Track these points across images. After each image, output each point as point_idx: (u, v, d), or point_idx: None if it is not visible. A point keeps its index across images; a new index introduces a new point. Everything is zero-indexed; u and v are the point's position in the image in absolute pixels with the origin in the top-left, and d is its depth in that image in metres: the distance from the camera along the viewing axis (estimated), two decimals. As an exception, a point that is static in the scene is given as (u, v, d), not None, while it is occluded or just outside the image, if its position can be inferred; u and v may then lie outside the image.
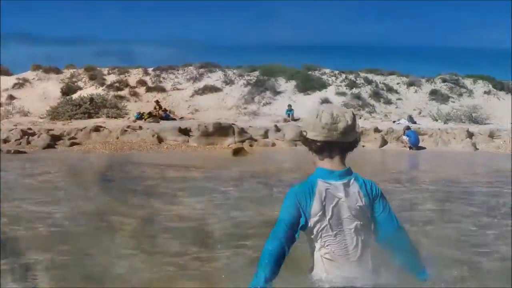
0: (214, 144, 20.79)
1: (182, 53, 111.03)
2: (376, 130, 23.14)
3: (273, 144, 21.45)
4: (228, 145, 20.45)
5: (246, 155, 17.37)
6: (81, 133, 21.40)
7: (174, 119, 28.51)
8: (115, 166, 13.82)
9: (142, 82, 40.75)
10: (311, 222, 2.80)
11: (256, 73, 41.21)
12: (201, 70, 42.54)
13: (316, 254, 2.88)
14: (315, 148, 2.88)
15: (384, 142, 22.49)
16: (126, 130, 21.69)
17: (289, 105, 31.75)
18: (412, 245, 2.96)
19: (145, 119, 27.28)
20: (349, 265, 2.82)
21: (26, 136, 20.29)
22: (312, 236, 2.85)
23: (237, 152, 17.55)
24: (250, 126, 23.51)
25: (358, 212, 2.81)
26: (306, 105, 33.99)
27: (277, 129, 23.07)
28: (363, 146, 21.92)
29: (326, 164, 2.88)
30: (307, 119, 2.93)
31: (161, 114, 28.69)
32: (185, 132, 21.70)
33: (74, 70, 44.23)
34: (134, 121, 26.70)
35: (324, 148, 2.85)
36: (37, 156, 16.18)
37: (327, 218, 2.78)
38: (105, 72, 43.64)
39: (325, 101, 35.10)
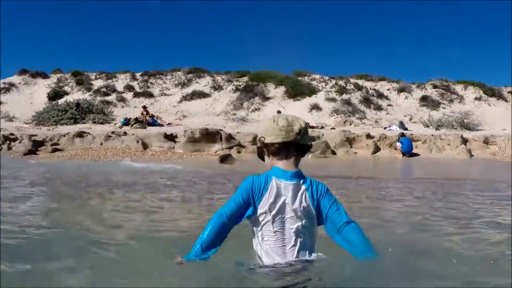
0: (200, 151, 20.08)
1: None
2: (369, 136, 22.59)
3: (262, 151, 20.76)
4: (215, 152, 19.78)
5: (234, 163, 16.73)
6: (64, 139, 20.74)
7: (162, 125, 27.93)
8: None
9: (129, 87, 40.28)
10: (257, 213, 3.00)
11: (245, 78, 40.82)
12: (190, 75, 42.12)
13: (255, 241, 3.10)
14: (273, 150, 3.07)
15: (377, 149, 21.96)
16: (110, 136, 20.98)
17: (278, 111, 31.25)
18: (364, 236, 3.04)
19: (131, 125, 26.58)
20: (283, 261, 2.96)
21: (8, 142, 19.67)
22: (254, 227, 3.07)
23: (224, 159, 16.90)
24: (238, 132, 22.88)
25: (303, 213, 3.00)
26: (296, 111, 33.72)
27: (266, 135, 22.40)
28: (355, 153, 21.44)
29: (281, 164, 3.07)
30: (263, 126, 3.16)
31: (148, 120, 28.08)
32: (171, 138, 21.07)
33: (61, 75, 43.72)
34: (121, 127, 25.93)
35: (281, 150, 3.05)
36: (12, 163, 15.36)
37: (271, 214, 2.98)
38: (92, 77, 43.17)
39: (315, 107, 34.74)
